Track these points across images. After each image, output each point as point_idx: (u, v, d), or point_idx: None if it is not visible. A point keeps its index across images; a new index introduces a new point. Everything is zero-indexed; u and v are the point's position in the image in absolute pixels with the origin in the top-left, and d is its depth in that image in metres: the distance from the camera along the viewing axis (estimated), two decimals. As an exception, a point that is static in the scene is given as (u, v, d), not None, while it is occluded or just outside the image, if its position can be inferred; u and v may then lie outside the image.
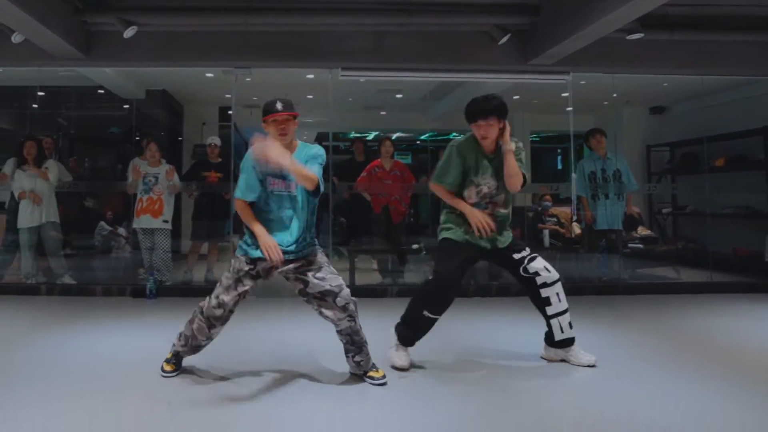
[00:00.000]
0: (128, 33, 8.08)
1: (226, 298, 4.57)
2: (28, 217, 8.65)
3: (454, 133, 15.03)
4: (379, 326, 6.43)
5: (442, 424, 3.78)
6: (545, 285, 5.03)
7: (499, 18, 8.29)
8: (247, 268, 4.59)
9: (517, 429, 3.68)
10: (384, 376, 4.66)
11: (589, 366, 4.96)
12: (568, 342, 5.11)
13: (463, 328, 6.38)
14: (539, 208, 10.49)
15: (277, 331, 6.33)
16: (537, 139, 14.74)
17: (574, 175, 9.10)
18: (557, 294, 5.07)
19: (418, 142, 14.18)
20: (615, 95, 10.78)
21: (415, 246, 9.44)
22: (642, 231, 10.53)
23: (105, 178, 9.89)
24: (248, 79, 9.27)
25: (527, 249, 5.13)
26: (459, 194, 5.06)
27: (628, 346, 5.80)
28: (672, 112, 13.00)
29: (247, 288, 4.59)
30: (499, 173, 4.97)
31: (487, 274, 9.29)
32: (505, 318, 7.12)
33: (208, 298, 4.65)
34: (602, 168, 9.11)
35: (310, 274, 4.57)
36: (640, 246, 10.36)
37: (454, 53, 8.73)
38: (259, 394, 4.30)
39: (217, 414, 3.91)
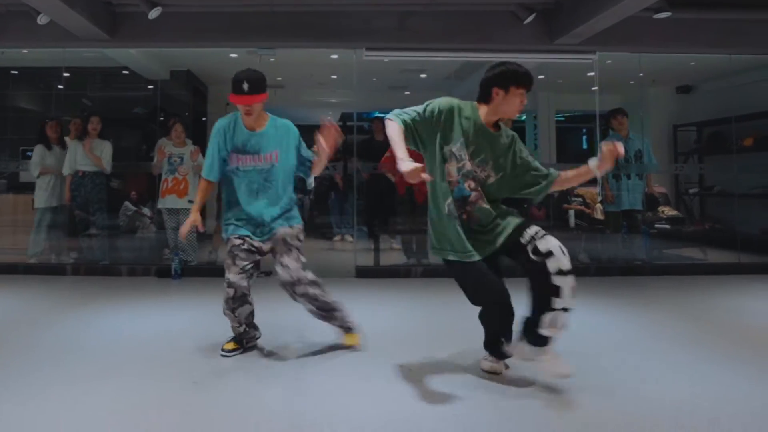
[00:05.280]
0: (153, 14, 8.08)
1: (231, 277, 4.63)
2: (45, 197, 8.86)
3: (479, 113, 14.99)
4: (402, 306, 6.48)
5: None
6: (560, 272, 3.83)
7: (525, -3, 8.24)
8: (237, 243, 4.70)
9: (545, 406, 3.67)
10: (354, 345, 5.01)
11: (563, 377, 3.98)
12: (546, 341, 3.97)
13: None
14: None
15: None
16: (562, 118, 14.64)
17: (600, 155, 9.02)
18: (572, 288, 3.84)
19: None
20: (641, 75, 10.66)
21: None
22: (668, 211, 10.45)
23: (129, 159, 9.92)
24: (272, 60, 9.27)
25: (533, 226, 4.06)
26: (433, 168, 4.16)
27: (654, 327, 5.76)
28: (699, 91, 12.85)
29: (247, 263, 4.67)
30: (495, 159, 4.14)
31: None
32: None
33: None
34: (624, 148, 9.03)
35: (277, 256, 4.75)
36: (667, 226, 10.28)
37: (478, 33, 8.66)
38: (287, 370, 4.31)
39: (244, 393, 3.94)
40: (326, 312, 4.89)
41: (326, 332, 5.08)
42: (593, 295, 7.26)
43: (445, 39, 8.54)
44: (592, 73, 9.31)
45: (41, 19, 8.10)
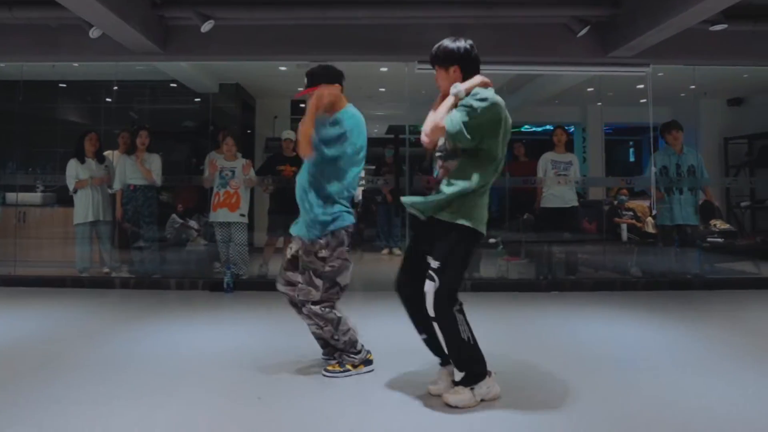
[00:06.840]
0: (205, 27, 8.11)
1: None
2: (83, 213, 8.91)
3: (527, 126, 14.97)
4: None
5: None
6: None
7: (579, 10, 8.16)
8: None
9: (610, 426, 3.61)
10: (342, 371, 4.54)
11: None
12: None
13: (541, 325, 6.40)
14: (615, 202, 10.37)
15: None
16: (610, 131, 14.54)
17: (653, 168, 8.95)
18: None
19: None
20: (693, 87, 10.57)
21: (491, 240, 9.36)
22: (720, 225, 10.34)
23: (179, 172, 9.97)
24: (321, 72, 9.24)
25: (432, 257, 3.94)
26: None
27: (706, 341, 5.70)
28: (751, 103, 12.72)
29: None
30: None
31: (563, 269, 9.21)
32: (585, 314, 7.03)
33: None
34: (677, 163, 8.96)
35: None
36: (719, 240, 10.17)
37: (531, 46, 8.61)
38: (352, 384, 4.26)
39: (311, 410, 3.90)
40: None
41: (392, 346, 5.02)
42: (645, 309, 7.25)
43: (497, 52, 8.45)
44: (642, 86, 9.25)
45: (93, 33, 8.15)
